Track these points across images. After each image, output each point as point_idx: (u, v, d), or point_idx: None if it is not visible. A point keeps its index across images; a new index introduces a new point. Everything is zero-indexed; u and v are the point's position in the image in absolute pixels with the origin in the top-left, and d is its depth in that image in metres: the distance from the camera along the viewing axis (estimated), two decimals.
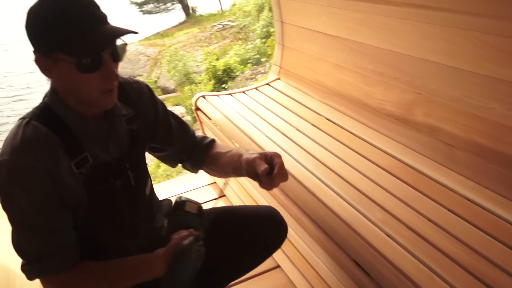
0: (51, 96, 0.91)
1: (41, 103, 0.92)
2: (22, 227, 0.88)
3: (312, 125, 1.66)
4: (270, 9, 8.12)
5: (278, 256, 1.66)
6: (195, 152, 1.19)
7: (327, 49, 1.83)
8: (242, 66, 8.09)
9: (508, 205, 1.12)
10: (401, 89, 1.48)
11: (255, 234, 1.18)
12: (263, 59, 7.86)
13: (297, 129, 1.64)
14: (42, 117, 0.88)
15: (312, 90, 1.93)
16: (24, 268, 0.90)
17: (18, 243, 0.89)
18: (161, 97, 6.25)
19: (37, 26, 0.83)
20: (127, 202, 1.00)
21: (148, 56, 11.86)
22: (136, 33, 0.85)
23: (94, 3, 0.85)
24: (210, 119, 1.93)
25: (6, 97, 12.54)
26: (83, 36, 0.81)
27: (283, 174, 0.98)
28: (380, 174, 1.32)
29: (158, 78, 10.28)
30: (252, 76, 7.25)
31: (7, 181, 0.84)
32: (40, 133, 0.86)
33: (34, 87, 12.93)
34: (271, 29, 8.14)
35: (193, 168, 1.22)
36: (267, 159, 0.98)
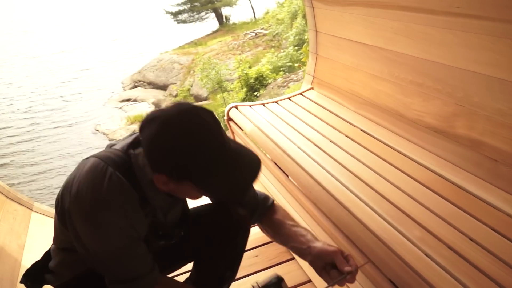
0: (137, 162, 0.95)
1: (119, 152, 0.96)
2: (119, 256, 0.96)
3: (346, 136, 1.62)
4: (304, 17, 8.11)
5: (310, 270, 1.63)
6: (256, 212, 1.21)
7: (363, 59, 1.80)
8: (275, 74, 8.10)
9: None
10: (442, 101, 1.43)
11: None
12: (296, 65, 7.83)
13: (331, 141, 1.61)
14: (123, 169, 0.94)
15: (346, 100, 1.89)
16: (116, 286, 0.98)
17: (113, 268, 0.97)
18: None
19: (180, 160, 0.86)
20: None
21: (182, 64, 12.10)
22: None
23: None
24: (242, 130, 1.92)
25: (46, 109, 13.13)
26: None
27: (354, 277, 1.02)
28: (419, 189, 1.27)
29: (191, 86, 10.45)
30: (284, 84, 7.24)
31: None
32: (125, 190, 0.92)
33: (68, 99, 13.49)
34: (305, 37, 8.12)
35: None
36: (344, 257, 1.02)
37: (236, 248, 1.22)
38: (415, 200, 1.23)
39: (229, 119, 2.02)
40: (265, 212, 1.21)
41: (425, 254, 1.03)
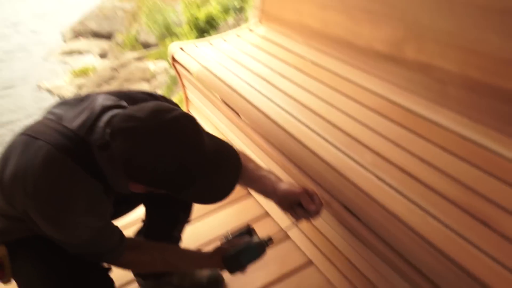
0: (102, 158, 0.84)
1: (73, 135, 0.85)
2: (86, 243, 0.92)
3: (297, 69, 1.57)
4: None
5: (267, 203, 1.63)
6: None
7: None
8: (225, 15, 7.77)
9: (502, 140, 1.07)
10: (391, 26, 1.38)
11: None
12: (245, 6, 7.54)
13: (281, 75, 1.55)
14: (83, 159, 0.84)
15: (295, 33, 1.81)
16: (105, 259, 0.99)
17: (81, 249, 0.93)
18: (143, 52, 6.02)
19: (161, 176, 0.81)
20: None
21: (125, 10, 11.34)
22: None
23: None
24: (189, 72, 1.82)
25: None
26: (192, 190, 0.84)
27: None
28: (369, 115, 1.26)
29: (138, 33, 9.90)
30: (236, 25, 6.99)
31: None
32: (90, 188, 0.86)
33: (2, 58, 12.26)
34: None
35: None
36: (309, 195, 1.04)
37: None
38: (366, 126, 1.22)
39: (174, 61, 1.90)
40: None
41: (377, 178, 1.03)
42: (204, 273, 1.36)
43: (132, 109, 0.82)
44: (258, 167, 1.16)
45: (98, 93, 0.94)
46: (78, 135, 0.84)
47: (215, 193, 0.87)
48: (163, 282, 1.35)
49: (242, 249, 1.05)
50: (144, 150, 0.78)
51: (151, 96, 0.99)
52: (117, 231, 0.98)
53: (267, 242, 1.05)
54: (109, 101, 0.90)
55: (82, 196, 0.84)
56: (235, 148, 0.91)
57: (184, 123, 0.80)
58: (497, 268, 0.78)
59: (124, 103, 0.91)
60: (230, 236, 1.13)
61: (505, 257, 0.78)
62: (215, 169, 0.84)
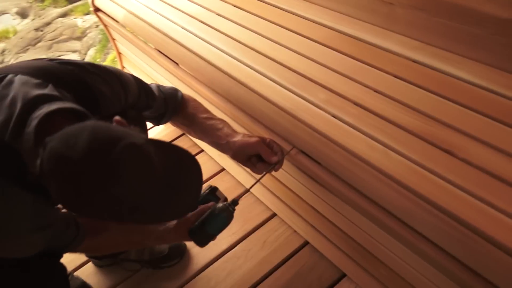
0: (34, 169, 0.65)
1: None
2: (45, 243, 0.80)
3: (234, 6, 1.42)
4: None
5: (221, 158, 1.55)
6: (166, 115, 1.06)
7: None
8: None
9: (455, 60, 1.02)
10: None
11: None
12: None
13: (217, 14, 1.40)
14: (13, 171, 0.69)
15: None
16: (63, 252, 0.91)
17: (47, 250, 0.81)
18: (68, 7, 5.49)
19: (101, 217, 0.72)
20: None
21: None
22: None
23: None
24: (115, 20, 1.62)
25: None
26: None
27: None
28: (318, 49, 1.16)
29: None
30: None
31: None
32: (24, 206, 0.71)
33: None
34: None
35: (158, 123, 1.10)
36: (267, 145, 0.98)
37: None
38: (315, 62, 1.12)
39: (97, 9, 1.68)
40: (175, 110, 1.06)
41: (333, 116, 0.96)
42: None
43: (61, 143, 0.62)
44: (211, 117, 1.06)
45: (13, 71, 0.75)
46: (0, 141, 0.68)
47: (179, 210, 0.75)
48: (120, 259, 1.26)
49: (207, 218, 0.96)
50: (84, 199, 0.63)
51: (81, 69, 0.82)
52: (71, 222, 0.87)
53: (233, 205, 0.97)
54: (32, 88, 0.72)
55: (17, 216, 0.70)
56: (189, 154, 0.75)
57: (127, 159, 0.63)
58: (463, 195, 0.74)
59: (50, 91, 0.73)
60: None
61: (470, 184, 0.75)
62: (173, 192, 0.70)
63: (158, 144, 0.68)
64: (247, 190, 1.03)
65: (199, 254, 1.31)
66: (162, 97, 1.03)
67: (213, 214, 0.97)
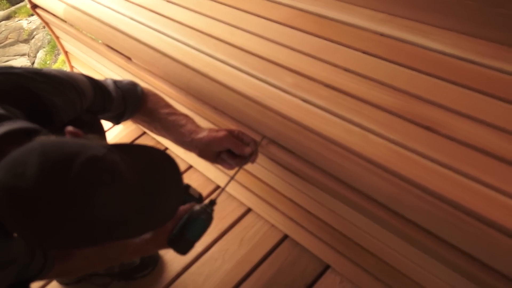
0: None
1: None
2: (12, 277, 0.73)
3: None
4: None
5: (188, 155, 1.45)
6: (126, 114, 0.96)
7: None
8: None
9: (425, 30, 0.96)
10: None
11: None
12: None
13: (168, 1, 1.29)
14: None
15: None
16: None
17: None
18: (11, 9, 5.13)
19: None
20: None
21: None
22: None
23: None
24: (56, 16, 1.48)
25: None
26: None
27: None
28: (280, 30, 1.09)
29: None
30: None
31: None
32: None
33: None
34: None
35: (117, 122, 0.99)
36: (236, 137, 0.91)
37: None
38: (278, 44, 1.05)
39: (34, 6, 1.53)
40: (135, 107, 0.96)
41: (303, 101, 0.89)
42: None
43: (9, 173, 0.52)
44: (173, 112, 0.97)
45: None
46: None
47: (164, 215, 0.66)
48: (87, 274, 1.16)
49: (185, 224, 0.89)
50: (50, 232, 0.53)
51: (28, 79, 0.71)
52: (36, 251, 0.78)
53: (211, 206, 0.89)
54: None
55: None
56: (159, 151, 0.67)
57: (89, 176, 0.53)
58: (447, 173, 0.69)
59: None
60: None
61: (454, 160, 0.70)
62: (152, 198, 0.61)
63: (122, 149, 0.60)
64: (223, 189, 0.95)
65: (173, 260, 1.23)
66: (120, 94, 0.93)
67: (192, 218, 0.89)
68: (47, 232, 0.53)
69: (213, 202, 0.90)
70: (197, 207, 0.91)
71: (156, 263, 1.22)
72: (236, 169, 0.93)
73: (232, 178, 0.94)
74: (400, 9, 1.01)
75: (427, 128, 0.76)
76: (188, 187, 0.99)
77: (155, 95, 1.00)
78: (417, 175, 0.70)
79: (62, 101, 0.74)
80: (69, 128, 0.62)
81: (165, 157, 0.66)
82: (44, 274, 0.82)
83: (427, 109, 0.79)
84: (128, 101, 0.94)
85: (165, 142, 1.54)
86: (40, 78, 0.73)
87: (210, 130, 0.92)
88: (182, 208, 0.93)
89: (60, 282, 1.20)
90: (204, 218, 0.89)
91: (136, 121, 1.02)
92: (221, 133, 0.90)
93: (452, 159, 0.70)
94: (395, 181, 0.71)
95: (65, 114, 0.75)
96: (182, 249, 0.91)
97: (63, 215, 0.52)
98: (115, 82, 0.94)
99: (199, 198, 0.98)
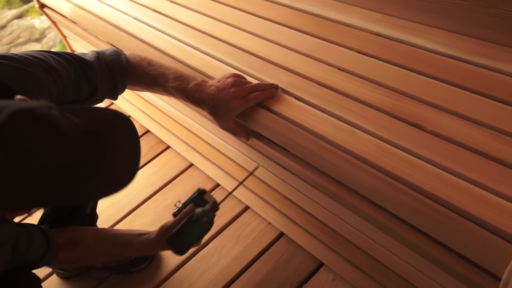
0: None
1: None
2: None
3: None
4: None
5: (189, 154, 1.48)
6: (118, 89, 0.94)
7: None
8: None
9: (419, 30, 0.97)
10: None
11: None
12: None
13: (171, 1, 1.32)
14: None
15: None
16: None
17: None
18: (23, 8, 5.25)
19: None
20: None
21: None
22: None
23: None
24: (62, 16, 1.52)
25: None
26: None
27: None
28: (278, 30, 1.10)
29: None
30: None
31: None
32: None
33: None
34: None
35: (114, 97, 0.97)
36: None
37: None
38: (275, 43, 1.06)
39: (42, 5, 1.58)
40: (124, 79, 0.93)
41: (296, 99, 0.91)
42: None
43: None
44: (164, 66, 0.94)
45: None
46: None
47: (116, 185, 0.59)
48: (85, 268, 1.19)
49: (184, 225, 0.91)
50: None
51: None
52: (36, 236, 0.81)
53: (212, 211, 0.92)
54: None
55: None
56: (115, 112, 0.63)
57: (15, 129, 0.48)
58: (432, 169, 0.70)
59: None
60: (180, 204, 0.98)
61: (439, 157, 0.70)
62: (97, 154, 0.56)
63: (69, 108, 0.55)
64: (230, 193, 0.98)
65: (170, 255, 1.25)
66: (106, 69, 0.89)
67: (191, 221, 0.91)
68: None
69: (215, 207, 0.93)
70: (199, 210, 0.93)
71: (152, 257, 1.24)
72: (247, 174, 0.95)
73: (241, 183, 0.97)
74: (396, 9, 1.02)
75: (414, 125, 0.77)
76: (203, 192, 1.00)
77: (139, 56, 0.96)
78: (399, 169, 0.70)
79: (31, 83, 0.70)
80: (19, 96, 0.58)
81: (120, 116, 0.62)
82: (47, 261, 0.85)
83: (416, 107, 0.80)
84: (115, 74, 0.91)
85: (166, 140, 1.56)
86: (5, 61, 0.69)
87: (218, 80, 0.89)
88: (185, 210, 0.95)
89: (60, 276, 1.23)
90: (204, 221, 0.92)
91: (133, 89, 0.99)
92: (230, 79, 0.88)
93: (437, 155, 0.71)
94: (380, 175, 0.71)
95: (36, 97, 0.67)
96: (178, 249, 0.93)
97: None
98: (98, 56, 0.89)
99: (213, 204, 0.98)
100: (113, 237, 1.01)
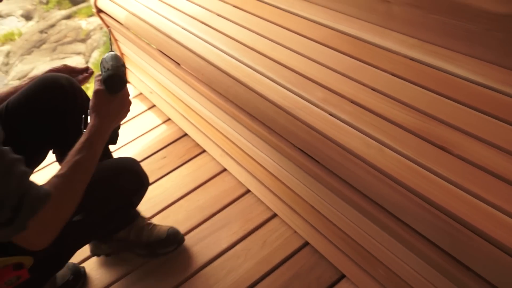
0: None
1: None
2: None
3: (234, 6, 1.43)
4: None
5: (223, 159, 1.55)
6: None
7: None
8: None
9: (452, 57, 1.02)
10: None
11: (113, 190, 1.03)
12: None
13: (218, 15, 1.41)
14: None
15: None
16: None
17: None
18: (72, 9, 5.52)
19: None
20: None
21: None
22: None
23: None
24: (118, 22, 1.64)
25: None
26: None
27: None
28: (316, 48, 1.17)
29: None
30: None
31: None
32: None
33: None
34: None
35: None
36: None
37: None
38: (314, 61, 1.13)
39: (99, 10, 1.71)
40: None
41: (330, 114, 0.97)
42: (163, 228, 1.31)
43: None
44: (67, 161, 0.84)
45: None
46: None
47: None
48: (116, 239, 1.27)
49: (101, 67, 0.94)
50: None
51: None
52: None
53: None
54: None
55: None
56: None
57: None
58: (456, 191, 0.74)
59: None
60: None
61: (463, 180, 0.75)
62: None
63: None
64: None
65: (199, 252, 1.32)
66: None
67: (104, 60, 0.95)
68: None
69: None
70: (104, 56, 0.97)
71: (180, 243, 1.32)
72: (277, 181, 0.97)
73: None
74: (431, 36, 1.07)
75: (441, 148, 0.81)
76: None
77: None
78: (426, 189, 0.75)
79: None
80: None
81: None
82: (12, 232, 0.72)
83: (443, 130, 0.85)
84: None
85: (203, 144, 1.65)
86: None
87: None
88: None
89: (94, 253, 1.31)
90: (113, 54, 0.96)
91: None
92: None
93: (461, 178, 0.75)
94: (404, 192, 0.77)
95: None
96: (111, 84, 0.92)
97: None
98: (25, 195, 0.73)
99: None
100: (77, 163, 0.83)
